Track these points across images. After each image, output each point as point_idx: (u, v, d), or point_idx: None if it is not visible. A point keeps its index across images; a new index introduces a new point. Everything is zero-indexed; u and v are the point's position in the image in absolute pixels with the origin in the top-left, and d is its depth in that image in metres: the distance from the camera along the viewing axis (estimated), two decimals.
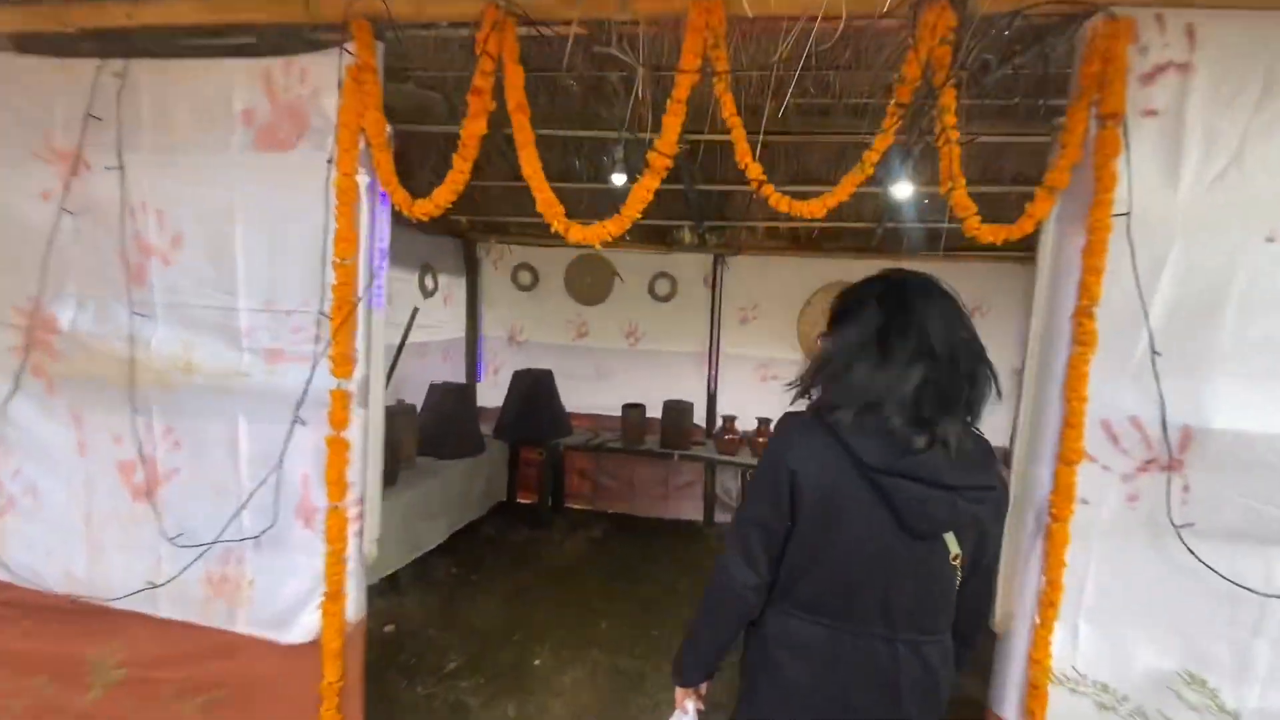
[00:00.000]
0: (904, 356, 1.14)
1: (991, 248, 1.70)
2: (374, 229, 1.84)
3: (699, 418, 5.16)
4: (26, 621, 2.10)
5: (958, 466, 1.15)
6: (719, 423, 5.02)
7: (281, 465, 1.84)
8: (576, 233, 1.64)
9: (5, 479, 2.11)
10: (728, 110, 1.56)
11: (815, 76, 2.95)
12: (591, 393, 5.44)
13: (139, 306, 1.95)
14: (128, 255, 1.93)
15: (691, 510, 5.39)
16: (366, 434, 1.89)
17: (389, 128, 1.79)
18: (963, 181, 1.50)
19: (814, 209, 1.55)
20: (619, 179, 3.61)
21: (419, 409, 4.43)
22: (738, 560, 1.27)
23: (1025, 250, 4.75)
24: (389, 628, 3.71)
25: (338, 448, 1.81)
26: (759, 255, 5.08)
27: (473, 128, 1.67)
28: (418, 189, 1.78)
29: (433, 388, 4.53)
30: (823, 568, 1.22)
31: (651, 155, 1.59)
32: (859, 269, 1.37)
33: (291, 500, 1.90)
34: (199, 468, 1.97)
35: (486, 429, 5.08)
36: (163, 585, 1.98)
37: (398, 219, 1.91)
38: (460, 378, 5.51)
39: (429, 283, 5.01)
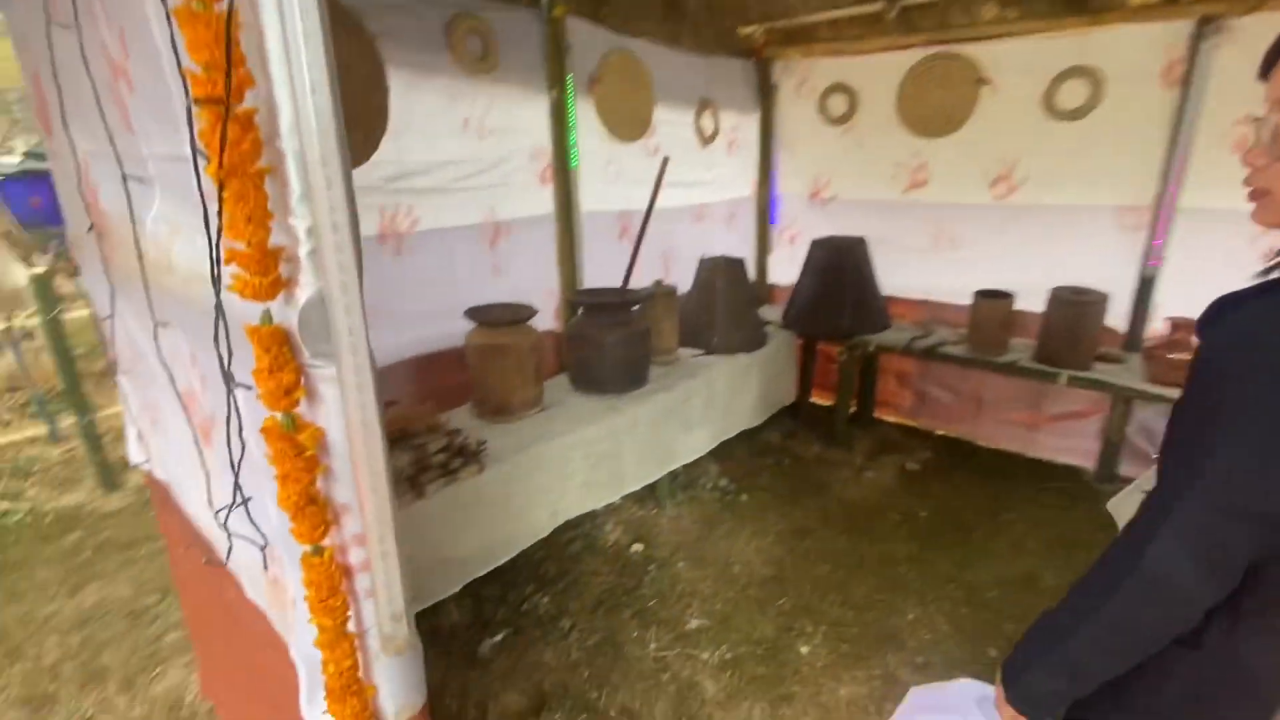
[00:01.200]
0: None
1: None
2: None
3: (1115, 318, 3.02)
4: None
5: None
6: (1156, 327, 2.85)
7: (240, 447, 0.94)
8: None
9: (140, 391, 1.72)
10: None
11: None
12: (926, 271, 3.66)
13: (130, 165, 1.18)
14: (97, 77, 1.14)
15: (1075, 453, 3.42)
16: (351, 413, 0.84)
17: None
18: None
19: None
20: None
21: (685, 291, 3.37)
22: (1187, 567, 0.72)
23: None
24: (637, 547, 3.03)
25: (284, 443, 0.81)
26: None
27: None
28: None
29: (702, 264, 3.40)
30: None
31: None
32: None
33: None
34: (221, 418, 1.21)
35: (776, 314, 3.83)
36: (225, 564, 1.37)
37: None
38: (748, 250, 4.25)
39: (707, 124, 3.71)
